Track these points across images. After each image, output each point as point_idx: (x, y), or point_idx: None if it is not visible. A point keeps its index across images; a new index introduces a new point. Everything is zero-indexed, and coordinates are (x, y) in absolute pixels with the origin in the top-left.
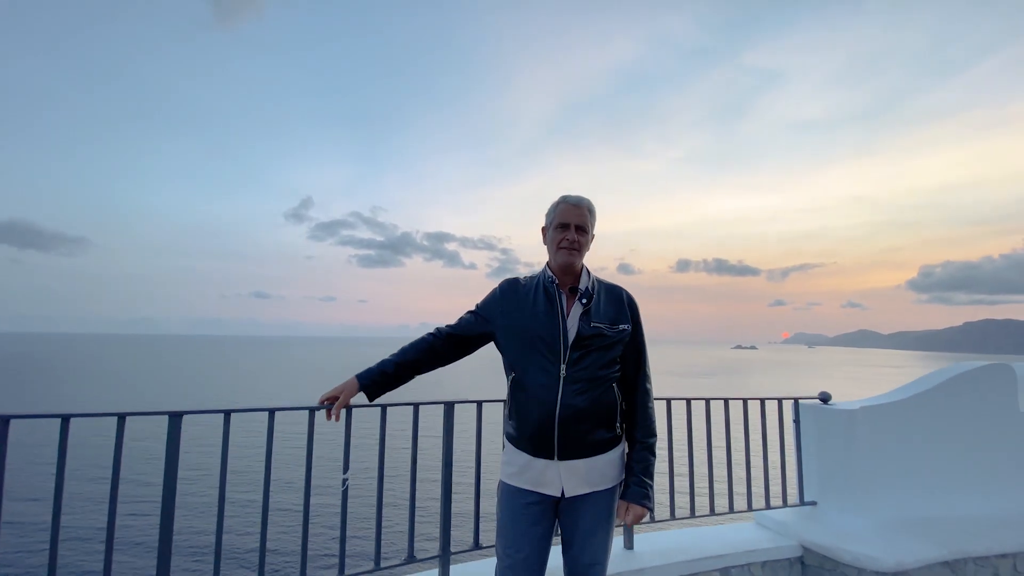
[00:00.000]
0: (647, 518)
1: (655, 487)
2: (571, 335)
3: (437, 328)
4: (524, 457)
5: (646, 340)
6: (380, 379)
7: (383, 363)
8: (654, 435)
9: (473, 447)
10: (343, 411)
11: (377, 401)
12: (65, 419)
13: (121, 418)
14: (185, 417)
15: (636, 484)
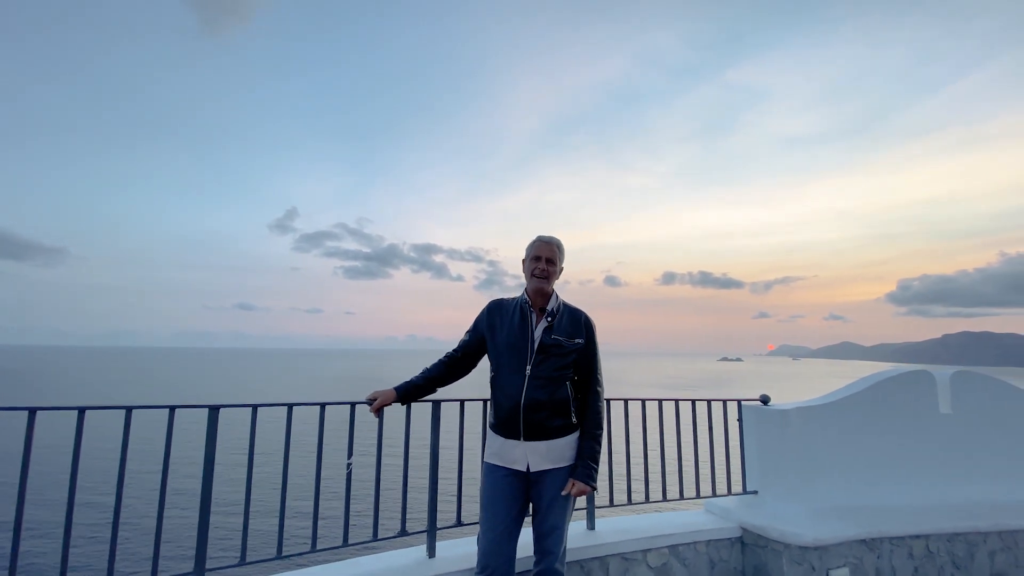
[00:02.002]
0: (606, 501)
1: (615, 474)
2: (536, 344)
3: (448, 352)
4: (499, 440)
5: (599, 352)
6: (412, 390)
7: (414, 379)
8: (600, 427)
9: (456, 438)
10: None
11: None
12: (81, 411)
13: (172, 410)
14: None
15: (583, 467)
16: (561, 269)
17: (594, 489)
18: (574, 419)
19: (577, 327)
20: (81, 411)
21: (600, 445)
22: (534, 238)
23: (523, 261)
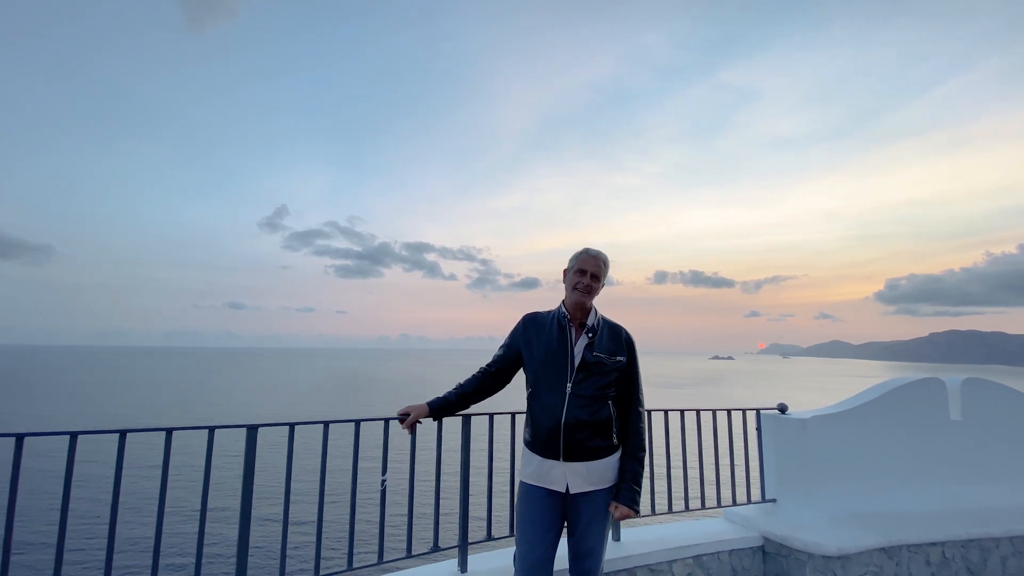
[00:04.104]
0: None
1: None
2: (577, 361)
3: (482, 368)
4: (536, 459)
5: (639, 368)
6: (444, 406)
7: (447, 394)
8: (643, 449)
9: (486, 453)
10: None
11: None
12: (122, 434)
13: (211, 430)
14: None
15: (627, 490)
16: (603, 285)
17: (637, 514)
18: (615, 440)
19: (618, 344)
20: (123, 434)
21: (643, 467)
22: (580, 250)
23: (564, 272)
